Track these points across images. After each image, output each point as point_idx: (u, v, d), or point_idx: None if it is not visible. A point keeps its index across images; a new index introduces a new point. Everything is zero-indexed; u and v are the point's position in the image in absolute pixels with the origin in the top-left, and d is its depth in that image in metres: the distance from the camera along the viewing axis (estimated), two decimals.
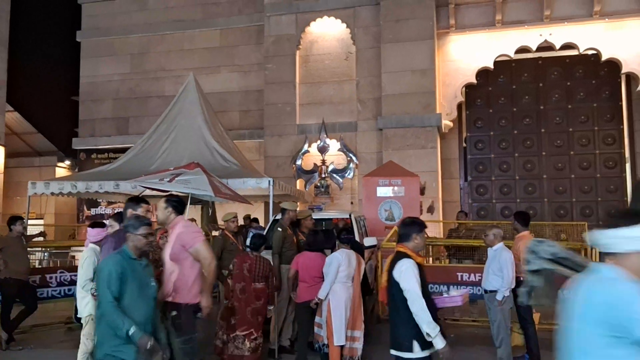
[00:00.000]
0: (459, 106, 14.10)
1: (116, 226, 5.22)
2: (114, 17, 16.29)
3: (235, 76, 15.34)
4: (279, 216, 7.71)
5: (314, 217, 7.85)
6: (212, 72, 15.39)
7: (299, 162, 13.81)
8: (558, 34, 13.13)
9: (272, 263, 6.49)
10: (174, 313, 4.40)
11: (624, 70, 12.86)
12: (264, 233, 8.81)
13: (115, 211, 15.08)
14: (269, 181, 8.98)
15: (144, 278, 3.89)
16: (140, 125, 15.29)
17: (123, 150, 12.35)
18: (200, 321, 4.62)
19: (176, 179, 8.50)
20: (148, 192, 11.17)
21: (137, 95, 16.01)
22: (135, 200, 4.94)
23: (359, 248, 6.79)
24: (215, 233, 10.54)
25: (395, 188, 10.34)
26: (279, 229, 6.97)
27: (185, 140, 10.16)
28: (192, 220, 12.20)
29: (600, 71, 13.91)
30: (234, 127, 14.70)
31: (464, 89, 13.90)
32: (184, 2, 15.85)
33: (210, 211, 10.84)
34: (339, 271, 5.80)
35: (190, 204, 9.46)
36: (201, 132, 10.24)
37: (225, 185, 8.73)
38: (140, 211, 4.70)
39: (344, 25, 14.02)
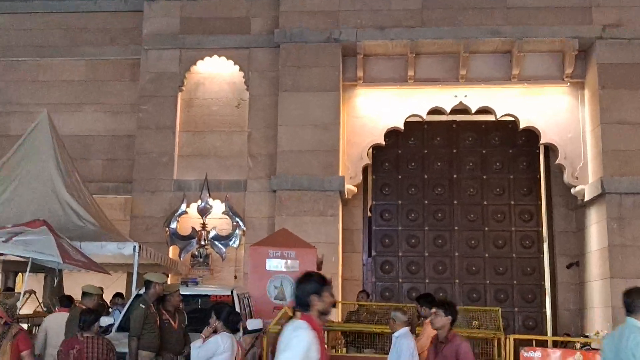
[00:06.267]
0: (365, 169, 14.48)
1: None
2: None
3: (101, 116, 14.87)
4: (142, 290, 7.45)
5: (188, 293, 7.66)
6: (73, 110, 14.85)
7: (173, 225, 13.43)
8: (474, 97, 14.00)
9: (130, 347, 6.16)
10: None
11: (543, 140, 13.86)
12: (124, 310, 8.44)
13: None
14: (134, 246, 8.74)
15: None
16: None
17: None
18: None
19: (14, 238, 8.11)
20: None
21: None
22: None
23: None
24: None
25: (289, 261, 10.31)
26: (142, 305, 6.71)
27: (31, 192, 9.72)
28: (32, 292, 11.45)
29: (517, 140, 14.90)
30: (95, 178, 14.14)
31: (370, 149, 14.33)
32: (43, 25, 15.34)
33: (55, 281, 10.25)
34: None
35: (31, 271, 8.91)
36: (52, 182, 9.86)
37: (77, 249, 8.40)
38: None
39: (237, 67, 14.15)
